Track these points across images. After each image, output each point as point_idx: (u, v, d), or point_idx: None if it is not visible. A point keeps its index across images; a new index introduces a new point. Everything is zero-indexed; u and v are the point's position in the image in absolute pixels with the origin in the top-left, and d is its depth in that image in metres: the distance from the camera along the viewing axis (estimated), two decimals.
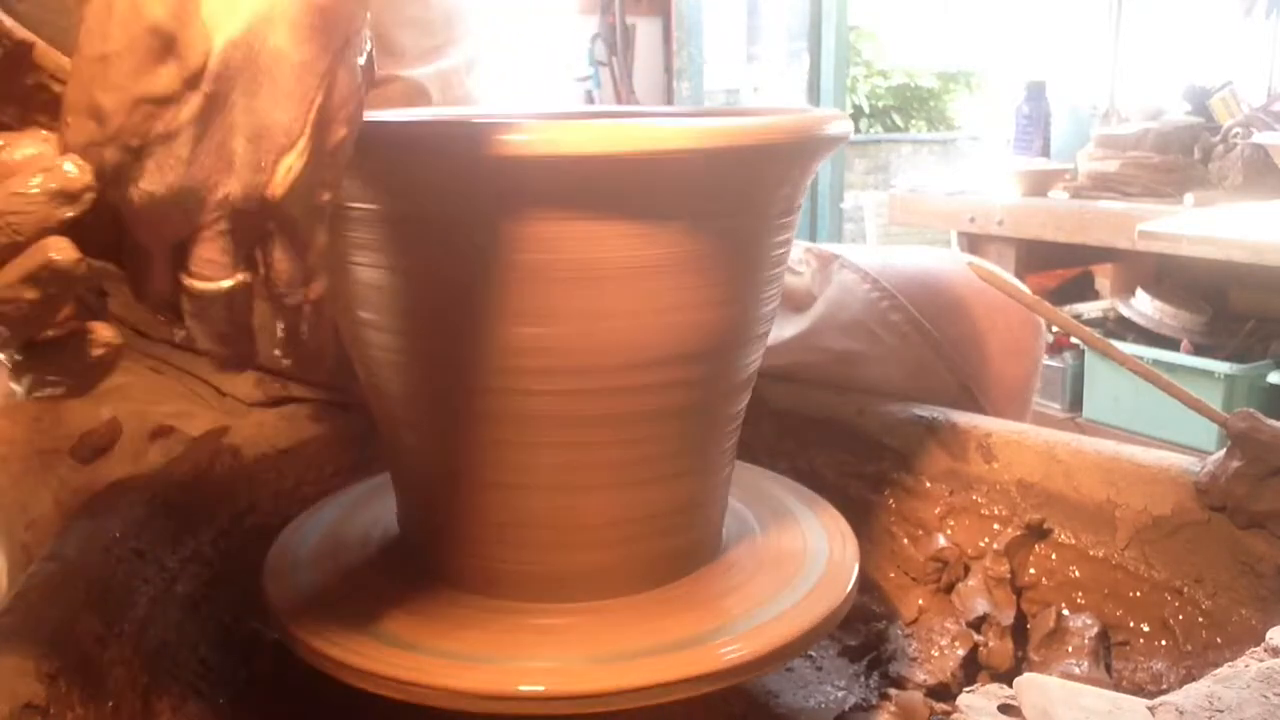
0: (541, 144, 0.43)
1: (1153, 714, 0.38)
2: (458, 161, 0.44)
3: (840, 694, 0.68)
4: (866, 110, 6.95)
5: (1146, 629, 0.63)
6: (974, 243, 2.40)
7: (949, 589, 0.70)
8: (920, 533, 0.73)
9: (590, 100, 3.26)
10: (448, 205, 0.46)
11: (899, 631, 0.70)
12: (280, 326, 0.42)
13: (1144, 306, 2.25)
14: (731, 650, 0.50)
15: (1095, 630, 0.63)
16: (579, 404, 0.49)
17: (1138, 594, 0.63)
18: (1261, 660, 0.40)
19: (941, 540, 0.71)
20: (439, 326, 0.49)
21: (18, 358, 0.38)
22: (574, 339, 0.47)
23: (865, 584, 0.71)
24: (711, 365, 0.52)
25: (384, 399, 0.54)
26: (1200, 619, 0.60)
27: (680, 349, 0.49)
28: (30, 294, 0.35)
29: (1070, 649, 0.63)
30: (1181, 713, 0.37)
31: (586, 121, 0.44)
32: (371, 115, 0.42)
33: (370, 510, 0.64)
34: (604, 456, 0.51)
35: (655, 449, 0.52)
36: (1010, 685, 0.42)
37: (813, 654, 0.72)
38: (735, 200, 0.48)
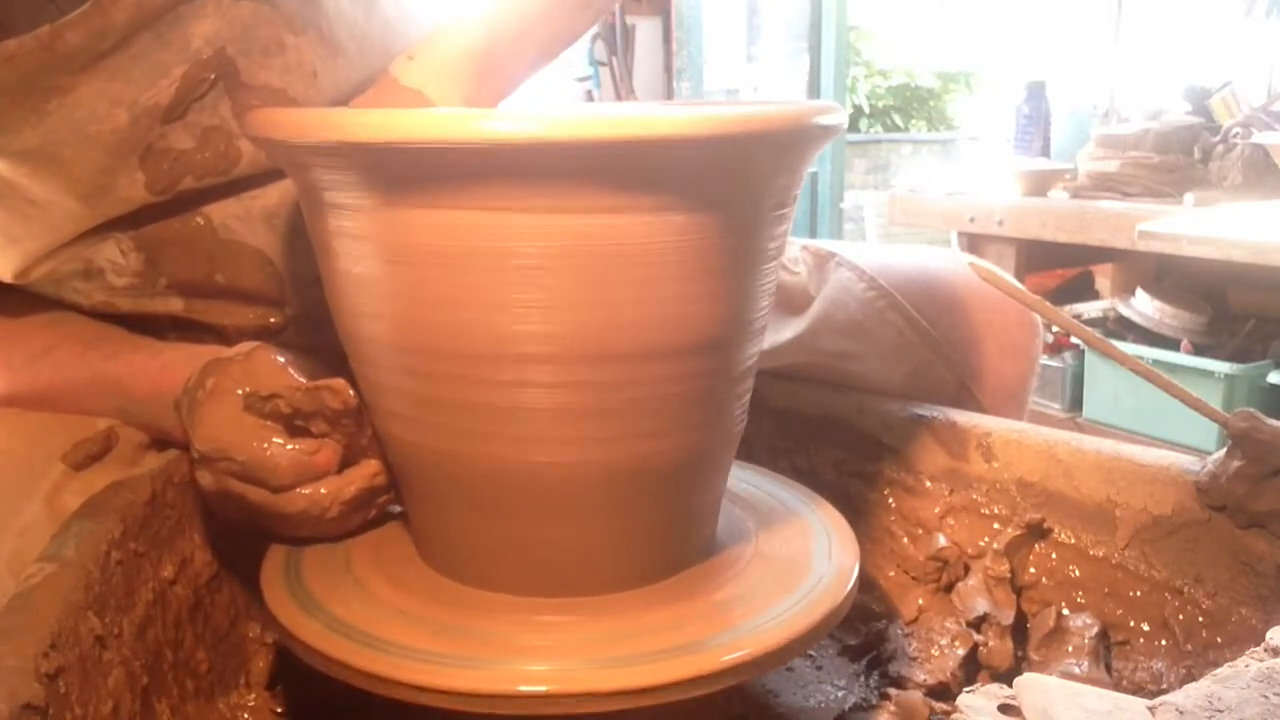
0: (544, 132, 0.42)
1: (1153, 714, 0.38)
2: (460, 148, 0.44)
3: (840, 693, 0.68)
4: (866, 110, 6.95)
5: (1146, 629, 0.63)
6: (974, 243, 2.40)
7: (949, 588, 0.70)
8: (920, 532, 0.73)
9: (590, 100, 3.25)
10: (445, 191, 0.46)
11: (899, 631, 0.70)
12: None
13: (1144, 306, 2.25)
14: (731, 650, 0.50)
15: (1095, 630, 0.63)
16: (580, 387, 0.49)
17: (1138, 593, 0.63)
18: (1261, 660, 0.40)
19: (941, 539, 0.71)
20: (437, 316, 0.49)
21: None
22: (574, 325, 0.47)
23: (865, 583, 0.71)
24: (711, 348, 0.52)
25: (375, 390, 0.54)
26: (1200, 619, 0.60)
27: (679, 334, 0.49)
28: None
29: (1070, 649, 0.63)
30: (1181, 713, 0.37)
31: (583, 111, 0.44)
32: (367, 109, 0.41)
33: None
34: (605, 440, 0.51)
35: (655, 427, 0.52)
36: (1010, 685, 0.42)
37: (813, 653, 0.72)
38: (732, 188, 0.48)
